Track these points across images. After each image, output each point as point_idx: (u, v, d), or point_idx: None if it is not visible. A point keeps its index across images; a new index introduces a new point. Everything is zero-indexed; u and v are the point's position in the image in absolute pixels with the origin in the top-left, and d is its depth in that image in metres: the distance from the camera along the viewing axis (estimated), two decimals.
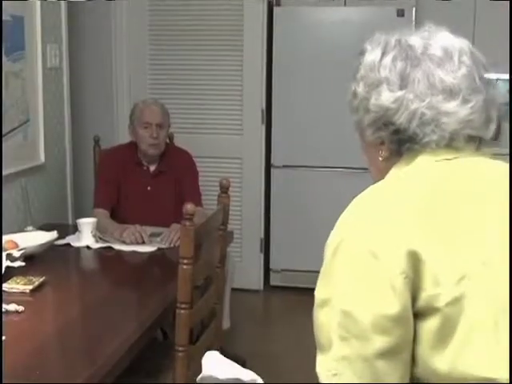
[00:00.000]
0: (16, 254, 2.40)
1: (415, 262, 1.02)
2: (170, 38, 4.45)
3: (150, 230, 2.95)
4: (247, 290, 4.38)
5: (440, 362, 1.02)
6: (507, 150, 4.65)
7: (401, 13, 4.18)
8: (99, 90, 4.52)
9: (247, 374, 1.53)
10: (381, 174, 1.20)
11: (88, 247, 2.79)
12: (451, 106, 1.11)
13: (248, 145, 4.43)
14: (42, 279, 2.27)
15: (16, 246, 2.51)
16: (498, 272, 1.03)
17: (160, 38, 4.47)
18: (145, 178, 3.25)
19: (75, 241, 2.84)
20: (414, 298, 1.03)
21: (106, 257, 2.74)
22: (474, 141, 1.17)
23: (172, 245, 2.80)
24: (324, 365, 1.08)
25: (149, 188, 3.24)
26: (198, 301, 2.22)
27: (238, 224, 4.38)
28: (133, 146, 3.28)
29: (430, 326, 1.02)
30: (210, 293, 2.44)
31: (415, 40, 1.16)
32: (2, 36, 2.93)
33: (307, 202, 4.39)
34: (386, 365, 1.03)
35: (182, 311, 2.06)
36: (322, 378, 1.08)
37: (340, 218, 1.12)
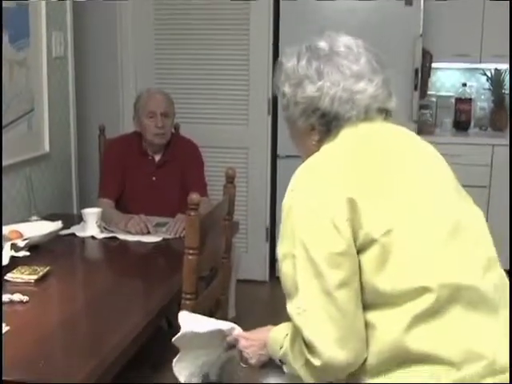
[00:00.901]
0: (21, 243, 2.39)
1: (353, 207, 1.31)
2: (177, 27, 4.41)
3: (155, 220, 2.93)
4: (253, 280, 4.37)
5: (383, 283, 1.30)
6: (507, 141, 4.63)
7: (409, 2, 4.14)
8: (104, 79, 4.50)
9: (225, 324, 1.59)
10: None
11: (93, 237, 2.78)
12: (361, 86, 1.43)
13: (254, 135, 4.41)
14: (46, 269, 2.26)
15: (21, 235, 2.50)
16: (428, 211, 1.35)
17: (166, 28, 4.44)
18: (150, 167, 3.23)
19: (80, 231, 2.83)
20: (355, 236, 1.31)
21: (111, 247, 2.73)
22: (382, 113, 1.49)
23: (177, 235, 2.78)
24: (294, 306, 1.35)
25: (154, 178, 3.22)
26: (203, 291, 2.21)
27: (243, 214, 4.36)
28: (137, 136, 3.26)
29: (370, 255, 1.31)
30: (215, 283, 2.42)
31: (321, 43, 1.50)
32: (7, 23, 2.91)
33: None
34: (344, 295, 1.30)
35: (187, 302, 2.05)
36: (293, 317, 1.35)
37: (288, 188, 1.41)
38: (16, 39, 3.03)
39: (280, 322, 1.59)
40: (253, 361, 1.59)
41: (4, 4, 2.83)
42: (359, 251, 1.32)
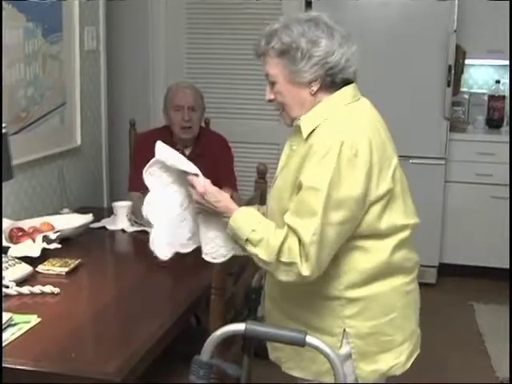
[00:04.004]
0: (52, 236, 2.41)
1: (372, 169, 1.64)
2: (208, 21, 4.42)
3: None
4: None
5: (382, 223, 1.70)
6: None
7: None
8: (136, 73, 4.52)
9: (192, 168, 1.82)
10: (303, 109, 1.82)
11: (123, 230, 2.79)
12: (354, 48, 1.76)
13: (286, 131, 4.34)
14: (77, 262, 2.28)
15: (52, 228, 2.53)
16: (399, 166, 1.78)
17: (198, 22, 4.45)
18: None
19: (110, 224, 2.84)
20: (371, 191, 1.66)
21: (141, 240, 2.73)
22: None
23: None
24: (307, 227, 1.59)
25: None
26: (231, 287, 2.20)
27: None
28: (168, 130, 3.26)
29: (380, 204, 1.68)
30: (243, 279, 2.41)
31: (314, 14, 1.79)
32: (41, 17, 2.94)
33: None
34: (345, 230, 1.64)
35: (216, 297, 2.04)
36: (304, 235, 1.59)
37: (324, 134, 1.71)
38: (49, 33, 3.05)
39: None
40: (194, 205, 1.82)
41: None
42: (375, 202, 1.66)
